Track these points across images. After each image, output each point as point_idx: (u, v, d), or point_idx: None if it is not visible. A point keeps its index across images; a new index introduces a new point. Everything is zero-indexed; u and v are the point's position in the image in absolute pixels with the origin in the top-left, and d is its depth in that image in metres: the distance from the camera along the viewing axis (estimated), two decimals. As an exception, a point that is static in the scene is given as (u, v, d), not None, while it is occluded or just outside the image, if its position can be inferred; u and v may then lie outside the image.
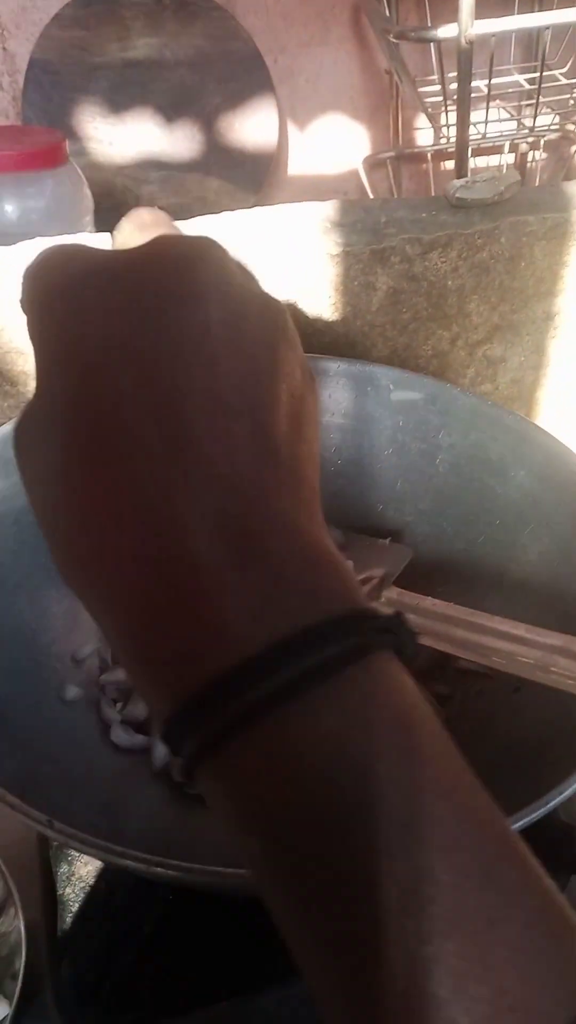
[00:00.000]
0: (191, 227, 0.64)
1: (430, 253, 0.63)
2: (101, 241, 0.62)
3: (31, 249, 0.62)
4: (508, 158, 1.09)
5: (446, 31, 0.81)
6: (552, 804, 0.32)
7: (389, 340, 0.66)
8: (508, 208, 0.65)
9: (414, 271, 0.64)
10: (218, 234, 0.63)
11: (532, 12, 0.99)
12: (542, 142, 1.11)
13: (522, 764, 0.38)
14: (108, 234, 0.64)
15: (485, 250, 0.64)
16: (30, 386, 0.63)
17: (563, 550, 0.46)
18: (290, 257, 0.62)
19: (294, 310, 0.63)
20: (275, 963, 0.41)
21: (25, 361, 0.62)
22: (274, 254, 0.62)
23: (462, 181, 0.66)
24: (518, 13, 0.98)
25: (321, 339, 0.64)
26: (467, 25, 0.80)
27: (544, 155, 1.12)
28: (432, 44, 0.94)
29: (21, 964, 0.39)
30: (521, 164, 1.09)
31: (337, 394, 0.54)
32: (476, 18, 0.78)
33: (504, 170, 0.90)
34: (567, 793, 0.33)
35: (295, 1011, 0.41)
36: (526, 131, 1.02)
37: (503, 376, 0.70)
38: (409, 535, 0.54)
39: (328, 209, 0.66)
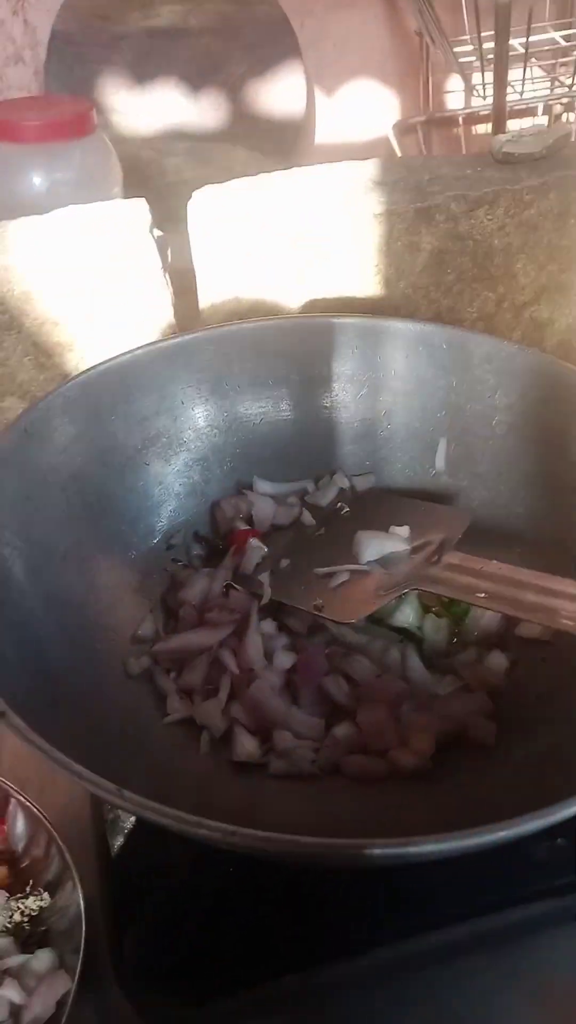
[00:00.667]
0: (228, 189, 0.62)
1: (476, 211, 0.61)
2: (131, 207, 0.61)
3: (64, 218, 0.60)
4: (542, 121, 1.06)
5: (483, -16, 0.78)
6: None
7: (433, 302, 0.64)
8: (557, 162, 0.63)
9: (459, 230, 0.62)
10: (257, 196, 0.62)
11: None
12: (576, 104, 1.08)
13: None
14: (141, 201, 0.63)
15: (533, 207, 0.62)
16: (66, 357, 0.62)
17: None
18: (330, 218, 0.60)
19: (335, 273, 0.61)
20: (339, 937, 0.40)
21: (61, 332, 0.60)
22: (313, 215, 0.60)
23: (508, 135, 0.63)
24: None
25: (364, 303, 0.63)
26: (506, -23, 0.77)
27: (579, 117, 1.09)
28: (465, 1, 0.91)
29: (82, 938, 0.38)
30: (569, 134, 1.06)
31: (387, 355, 0.52)
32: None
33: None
34: None
35: (361, 985, 0.40)
36: (562, 90, 0.99)
37: (550, 339, 0.68)
38: (465, 500, 0.52)
39: (369, 167, 0.64)
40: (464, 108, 1.07)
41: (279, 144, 1.04)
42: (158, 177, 1.03)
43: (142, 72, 1.00)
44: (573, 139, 0.63)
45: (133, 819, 0.42)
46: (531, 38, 0.89)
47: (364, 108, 1.07)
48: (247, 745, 0.42)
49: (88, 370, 0.48)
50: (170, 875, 0.41)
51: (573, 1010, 0.40)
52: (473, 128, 1.08)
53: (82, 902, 0.38)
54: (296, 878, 0.41)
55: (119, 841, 0.42)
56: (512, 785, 0.39)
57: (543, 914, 0.42)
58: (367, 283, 0.62)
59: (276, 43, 1.01)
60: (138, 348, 0.50)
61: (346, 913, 0.41)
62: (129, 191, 0.82)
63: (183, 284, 0.64)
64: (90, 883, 0.40)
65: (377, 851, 0.28)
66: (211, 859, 0.40)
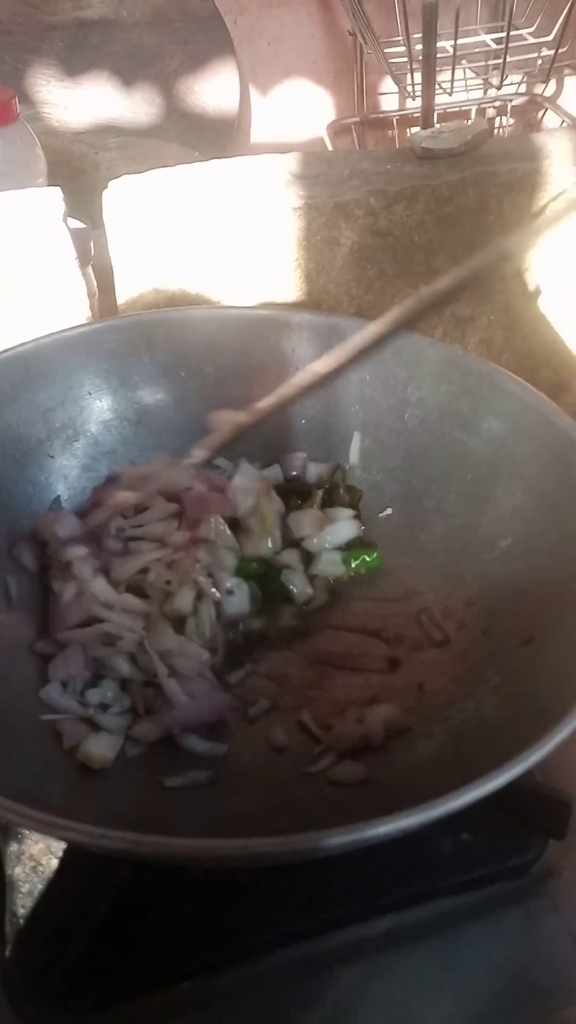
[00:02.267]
0: (146, 180, 0.61)
1: (395, 206, 0.61)
2: (43, 195, 0.59)
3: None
4: (462, 123, 1.06)
5: (410, -16, 0.78)
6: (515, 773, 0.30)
7: (354, 298, 0.64)
8: (476, 159, 0.63)
9: (379, 225, 0.61)
10: (175, 187, 0.61)
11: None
12: (509, 107, 1.09)
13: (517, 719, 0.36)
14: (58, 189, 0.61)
15: (452, 203, 0.62)
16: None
17: (537, 504, 0.44)
18: (251, 211, 0.59)
19: (256, 267, 0.60)
20: (236, 943, 0.39)
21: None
22: (234, 207, 0.59)
23: (428, 131, 0.63)
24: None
25: (284, 298, 0.62)
26: (431, -23, 0.77)
27: (512, 121, 1.10)
28: (396, 1, 0.92)
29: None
30: (488, 130, 1.07)
31: (301, 348, 0.52)
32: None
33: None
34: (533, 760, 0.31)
35: (256, 990, 0.39)
36: (493, 93, 1.00)
37: (472, 336, 0.68)
38: (378, 494, 0.51)
39: (290, 161, 0.64)
40: (399, 110, 1.08)
41: (213, 141, 1.03)
42: (90, 172, 1.01)
43: (73, 64, 0.99)
44: (492, 135, 0.63)
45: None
46: (461, 40, 0.90)
47: (299, 107, 1.07)
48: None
49: (-12, 359, 0.47)
50: (64, 880, 0.40)
51: (481, 1007, 0.40)
52: (408, 130, 1.09)
53: (-32, 911, 0.37)
54: (195, 881, 0.40)
55: (12, 847, 0.41)
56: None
57: (449, 911, 0.41)
58: (287, 278, 0.61)
59: (209, 39, 1.00)
60: (42, 337, 0.48)
61: (246, 914, 0.40)
62: (59, 184, 0.80)
63: (107, 281, 0.63)
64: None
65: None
66: (107, 864, 0.39)
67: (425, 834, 0.32)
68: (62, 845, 0.40)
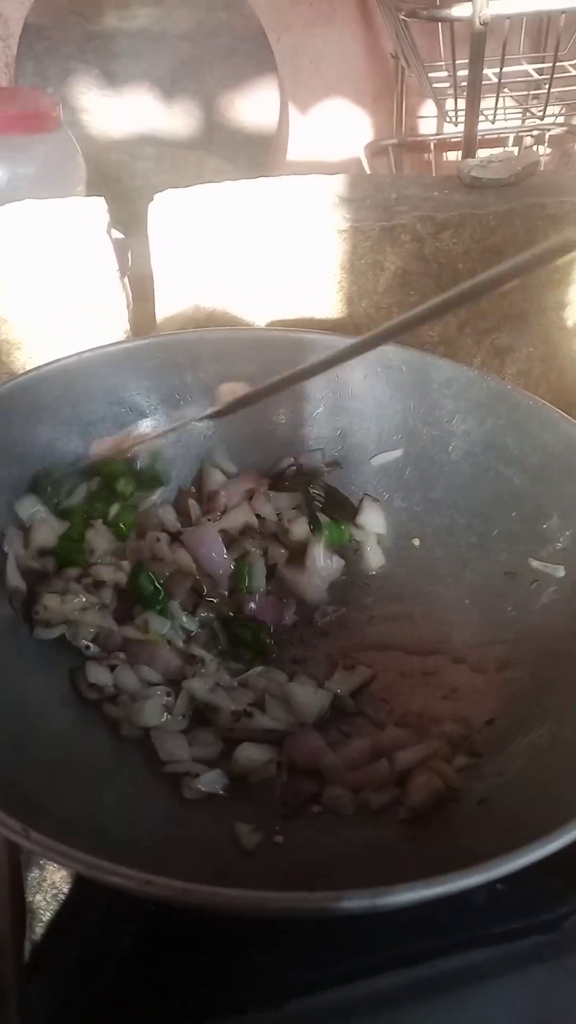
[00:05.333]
0: (191, 194, 0.60)
1: (442, 233, 0.60)
2: (88, 205, 0.59)
3: (19, 212, 0.58)
4: (511, 152, 1.06)
5: (460, 10, 0.78)
6: None
7: (395, 324, 0.63)
8: (524, 189, 0.62)
9: (424, 252, 0.61)
10: (221, 203, 0.60)
11: None
12: (547, 136, 1.09)
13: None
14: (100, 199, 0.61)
15: (498, 233, 0.61)
16: (13, 356, 0.59)
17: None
18: (295, 231, 0.59)
19: (297, 288, 0.60)
20: (262, 985, 0.38)
21: (9, 330, 0.58)
22: (278, 227, 0.59)
23: (477, 160, 0.63)
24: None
25: (324, 320, 0.61)
26: (482, 5, 0.77)
27: (548, 150, 1.10)
28: (441, 27, 0.92)
29: (-14, 980, 0.35)
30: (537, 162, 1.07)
31: (344, 374, 0.51)
32: None
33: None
34: None
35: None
36: (533, 122, 1.00)
37: (510, 367, 0.67)
38: (418, 525, 0.50)
39: (337, 183, 0.63)
40: (436, 134, 1.08)
41: (251, 156, 1.03)
42: (127, 180, 1.01)
43: (115, 73, 0.99)
44: (541, 168, 0.63)
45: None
46: (504, 69, 0.90)
47: (337, 127, 1.07)
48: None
49: (31, 370, 0.46)
50: (86, 912, 0.39)
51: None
52: (444, 154, 1.09)
53: (-12, 941, 0.36)
54: (220, 924, 0.38)
55: (33, 873, 0.40)
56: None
57: (480, 963, 0.40)
58: (329, 300, 0.61)
59: (252, 55, 1.00)
60: (85, 351, 0.48)
61: (272, 958, 0.38)
62: (95, 192, 0.79)
63: (143, 290, 0.62)
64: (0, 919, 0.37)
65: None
66: (131, 900, 0.38)
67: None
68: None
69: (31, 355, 0.59)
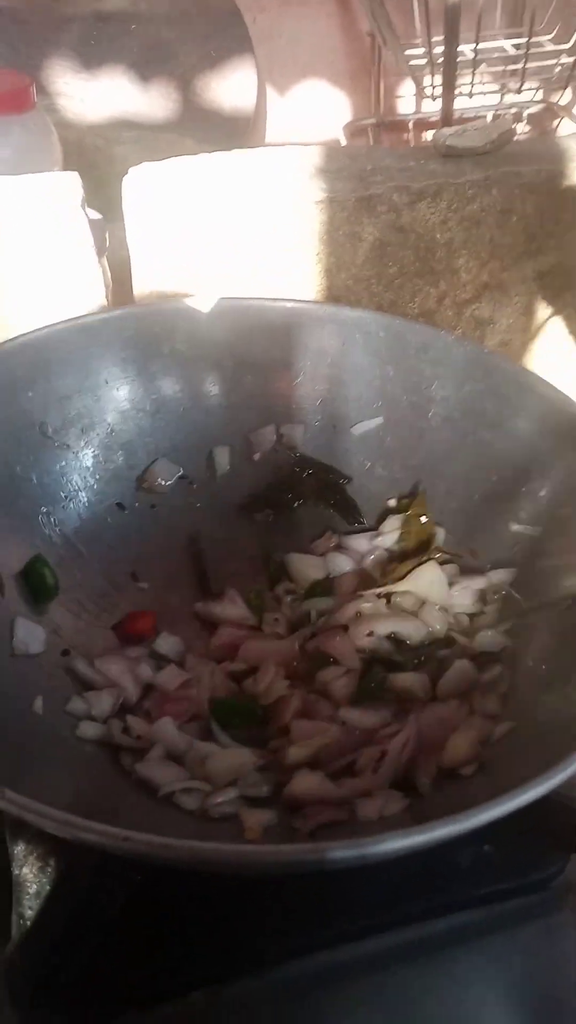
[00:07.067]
0: (166, 168, 0.60)
1: (418, 203, 0.60)
2: (62, 180, 0.58)
3: (-7, 188, 0.57)
4: (486, 121, 1.06)
5: (434, -16, 0.77)
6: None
7: (375, 296, 0.63)
8: (501, 158, 0.62)
9: (402, 222, 0.60)
10: (196, 176, 0.60)
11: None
12: (525, 115, 1.08)
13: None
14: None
15: (476, 202, 0.61)
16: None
17: (562, 504, 0.43)
18: (272, 203, 0.58)
19: (276, 260, 0.59)
20: (247, 953, 0.38)
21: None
22: (254, 200, 0.58)
23: (452, 129, 0.62)
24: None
25: (303, 292, 0.61)
26: (456, -23, 0.77)
27: (527, 128, 1.10)
28: (417, 3, 0.91)
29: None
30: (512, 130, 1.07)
31: (323, 342, 0.51)
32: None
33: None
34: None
35: (269, 1001, 0.37)
36: (509, 99, 1.00)
37: (491, 338, 0.67)
38: (398, 492, 0.50)
39: (312, 154, 0.63)
40: (415, 112, 1.07)
41: (228, 139, 1.02)
42: (104, 165, 1.00)
43: (90, 56, 0.98)
44: (516, 136, 0.62)
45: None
46: (481, 45, 0.89)
47: (315, 107, 1.06)
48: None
49: (3, 343, 0.45)
50: (72, 883, 0.38)
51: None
52: (423, 133, 1.08)
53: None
54: (207, 889, 0.38)
55: (19, 847, 0.39)
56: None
57: (468, 924, 0.40)
58: (307, 272, 0.60)
59: (228, 35, 0.99)
60: (59, 322, 0.47)
61: (260, 924, 0.38)
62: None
63: (122, 274, 0.62)
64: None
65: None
66: (117, 866, 0.38)
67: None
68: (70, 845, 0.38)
69: (4, 331, 0.58)
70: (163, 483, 0.49)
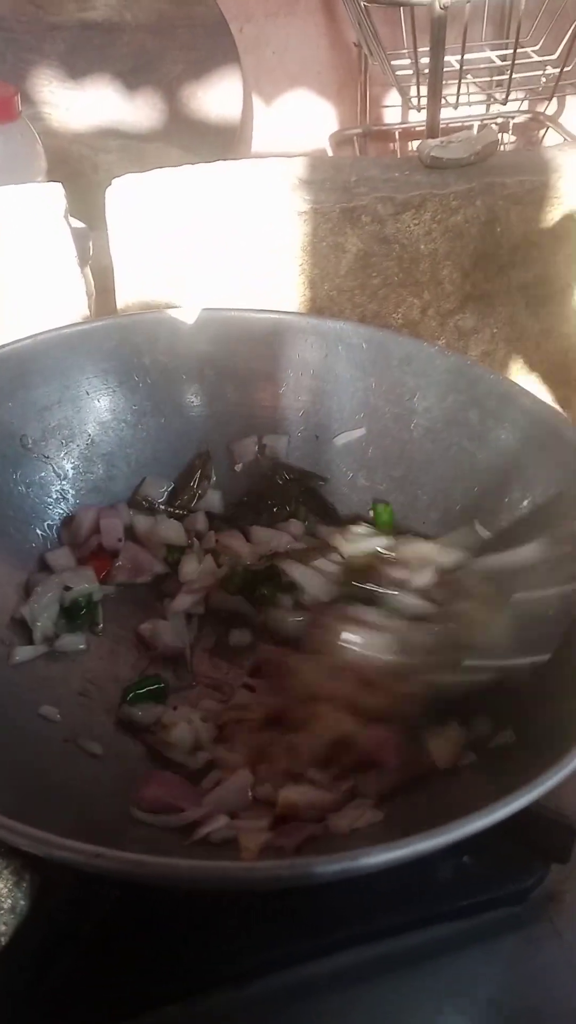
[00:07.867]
0: (149, 179, 0.60)
1: (403, 214, 0.60)
2: (45, 190, 0.58)
3: (-25, 198, 0.57)
4: (471, 132, 1.07)
5: (419, -4, 0.78)
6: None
7: (358, 306, 0.63)
8: (485, 169, 0.62)
9: (386, 232, 0.61)
10: (180, 187, 0.60)
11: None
12: (511, 125, 1.09)
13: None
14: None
15: (460, 213, 0.61)
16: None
17: (545, 516, 0.43)
18: (255, 213, 0.58)
19: (259, 271, 0.59)
20: (226, 966, 0.37)
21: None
22: (238, 211, 0.58)
23: (437, 140, 0.63)
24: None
25: (287, 303, 0.61)
26: (441, -11, 0.77)
27: (513, 138, 1.10)
28: (403, 14, 0.91)
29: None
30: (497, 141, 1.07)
31: (305, 353, 0.51)
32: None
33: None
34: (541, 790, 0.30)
35: (246, 1015, 0.37)
36: (495, 109, 1.00)
37: (474, 348, 0.68)
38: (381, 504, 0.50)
39: (296, 165, 0.63)
40: (401, 123, 1.08)
41: (214, 148, 1.02)
42: (89, 174, 1.00)
43: (76, 65, 0.98)
44: (501, 147, 0.63)
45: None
46: (467, 55, 0.90)
47: (301, 117, 1.06)
48: None
49: (-16, 354, 0.45)
50: (48, 897, 0.38)
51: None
52: (409, 143, 1.09)
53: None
54: (186, 902, 0.38)
55: (-5, 861, 0.39)
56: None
57: (448, 936, 0.40)
58: (291, 283, 0.61)
59: (214, 45, 0.99)
60: (40, 333, 0.47)
61: (238, 936, 0.38)
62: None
63: (106, 283, 0.62)
64: (-42, 907, 0.36)
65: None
66: (92, 882, 0.37)
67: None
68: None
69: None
70: (158, 502, 0.49)
